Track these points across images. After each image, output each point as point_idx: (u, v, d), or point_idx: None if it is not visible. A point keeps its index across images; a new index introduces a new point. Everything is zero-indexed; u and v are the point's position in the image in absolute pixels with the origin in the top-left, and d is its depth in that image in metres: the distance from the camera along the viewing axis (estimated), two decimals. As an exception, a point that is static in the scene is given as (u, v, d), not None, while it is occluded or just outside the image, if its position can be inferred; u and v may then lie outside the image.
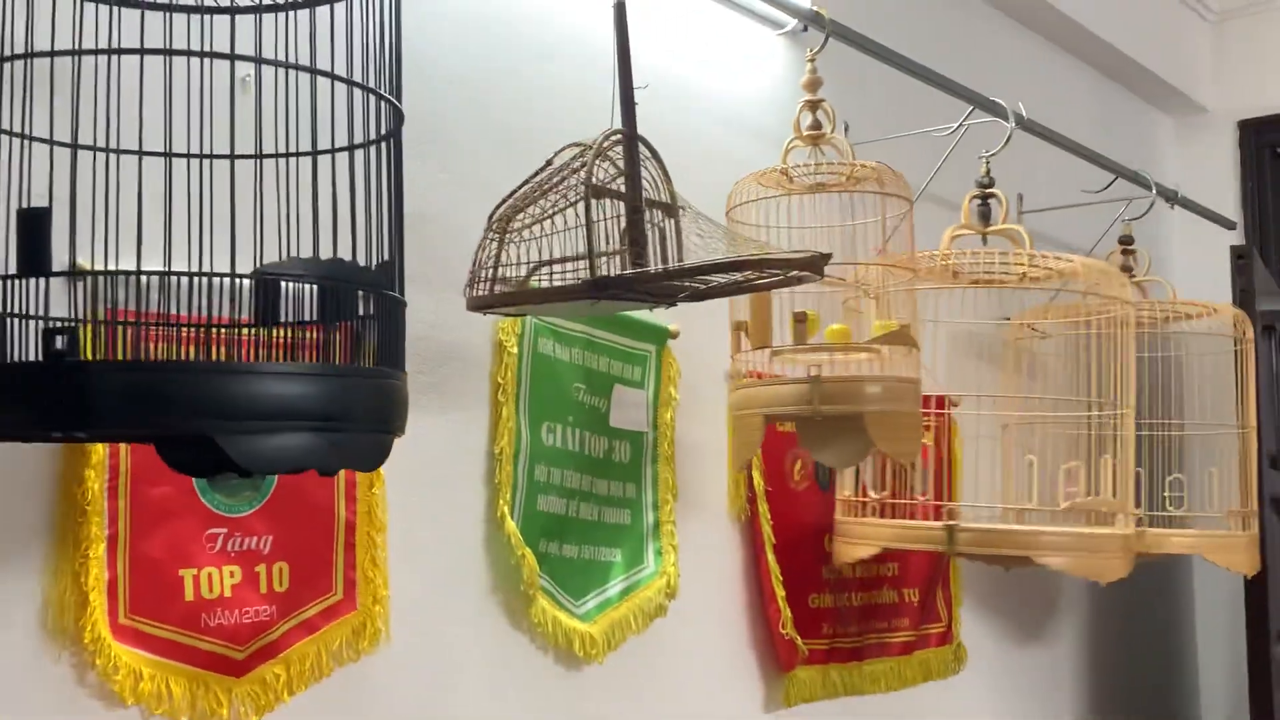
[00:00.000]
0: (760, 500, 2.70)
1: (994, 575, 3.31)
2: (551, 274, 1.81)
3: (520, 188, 1.86)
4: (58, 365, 1.19)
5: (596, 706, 2.38)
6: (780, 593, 2.68)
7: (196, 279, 1.24)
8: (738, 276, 1.80)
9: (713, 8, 2.78)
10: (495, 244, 1.86)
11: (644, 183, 1.83)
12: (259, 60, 1.28)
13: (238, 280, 1.25)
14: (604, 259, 1.76)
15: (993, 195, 2.83)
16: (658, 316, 2.50)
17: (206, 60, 1.29)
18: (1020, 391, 3.16)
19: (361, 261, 1.39)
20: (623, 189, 1.80)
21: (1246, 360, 3.32)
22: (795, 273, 1.81)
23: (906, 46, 3.02)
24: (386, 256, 1.44)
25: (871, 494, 2.75)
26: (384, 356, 1.36)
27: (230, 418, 1.18)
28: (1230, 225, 4.18)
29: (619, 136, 1.83)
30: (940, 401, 2.97)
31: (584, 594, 2.35)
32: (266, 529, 1.89)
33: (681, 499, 2.57)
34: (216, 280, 1.25)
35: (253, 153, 1.32)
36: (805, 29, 2.86)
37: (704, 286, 1.83)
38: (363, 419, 1.30)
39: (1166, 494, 3.35)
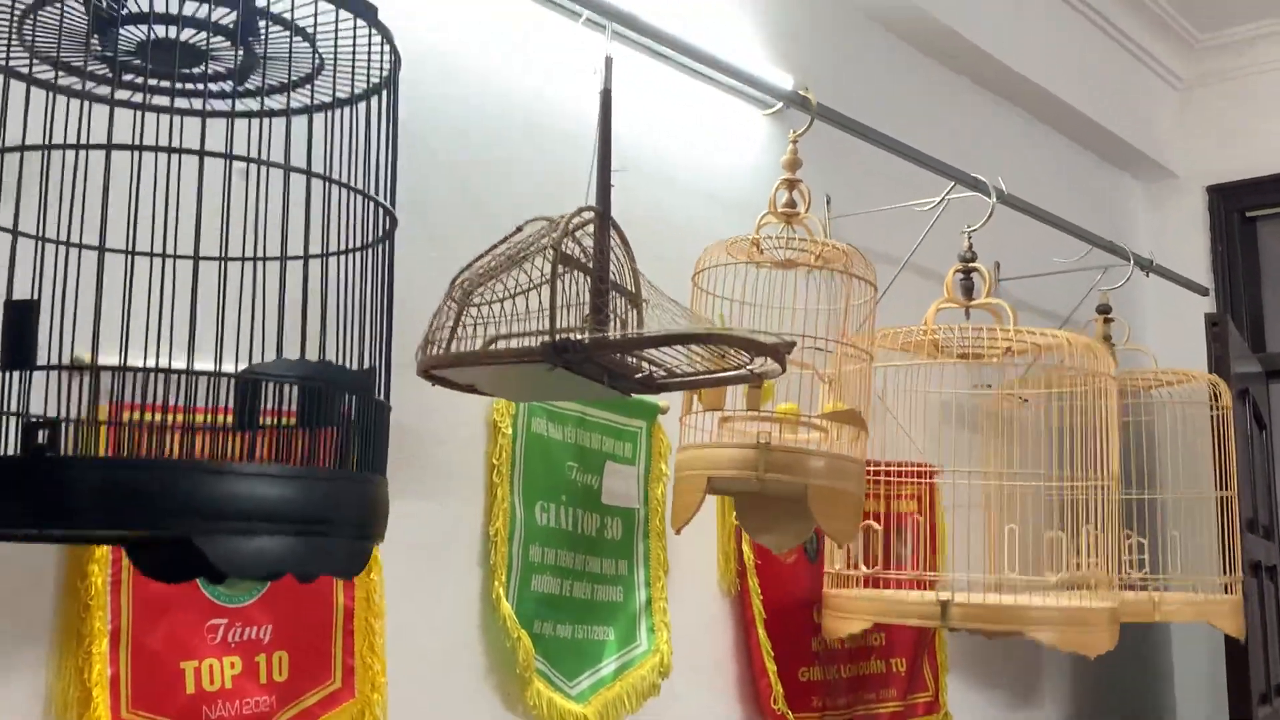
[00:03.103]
0: (750, 574, 2.71)
1: (978, 643, 3.33)
2: (509, 345, 1.79)
3: (484, 255, 1.85)
4: (36, 460, 1.16)
5: (591, 786, 2.38)
6: (771, 667, 2.69)
7: (182, 377, 1.22)
8: (698, 360, 1.79)
9: (701, 86, 2.83)
10: (454, 312, 1.84)
11: (610, 265, 1.83)
12: (228, 156, 1.25)
13: (222, 380, 1.23)
14: (563, 335, 1.74)
15: (975, 269, 2.87)
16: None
17: (203, 160, 1.26)
18: (1002, 459, 3.19)
19: (348, 365, 1.37)
20: (589, 262, 1.80)
21: (1225, 426, 3.37)
22: (759, 368, 1.80)
23: (887, 117, 3.08)
24: (372, 362, 1.41)
25: (863, 567, 2.76)
26: (366, 461, 1.33)
27: (209, 518, 1.13)
28: (1203, 291, 4.25)
29: (590, 214, 1.84)
30: (923, 470, 3.00)
31: (578, 674, 2.36)
32: (266, 618, 1.89)
33: (672, 574, 2.58)
34: (203, 379, 1.23)
35: (241, 254, 1.31)
36: (788, 107, 2.91)
37: (663, 372, 1.81)
38: (344, 524, 1.26)
39: (1131, 557, 3.38)
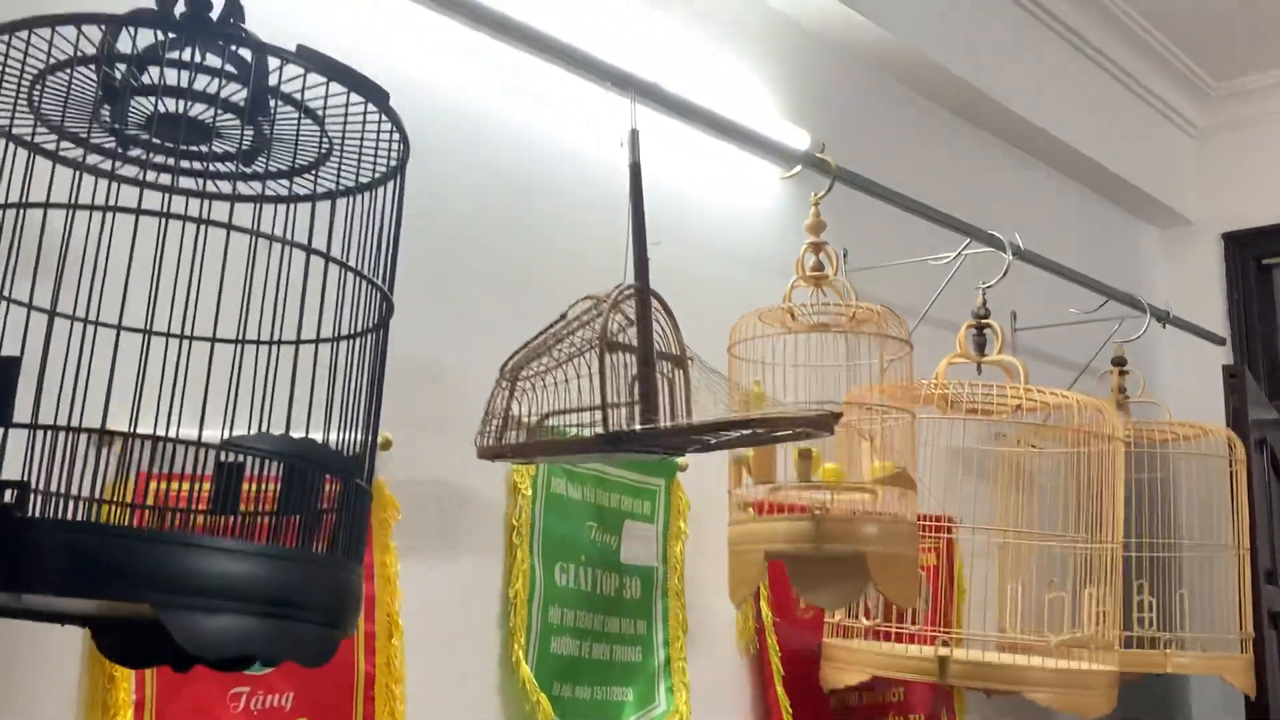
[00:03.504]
0: (768, 632, 2.71)
1: (997, 700, 3.32)
2: (563, 423, 1.84)
3: (534, 339, 1.90)
4: (3, 519, 1.13)
5: (609, 847, 2.37)
6: (789, 725, 2.69)
7: (162, 444, 1.21)
8: (746, 432, 1.84)
9: (718, 143, 2.84)
10: (506, 393, 1.89)
11: (655, 336, 1.86)
12: (229, 227, 1.25)
13: (202, 451, 1.22)
14: (614, 410, 1.79)
15: (988, 325, 2.88)
16: (667, 453, 2.53)
17: (201, 235, 1.24)
18: (1015, 508, 3.19)
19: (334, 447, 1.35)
20: (633, 340, 1.84)
21: (1239, 482, 3.36)
22: (804, 430, 1.84)
23: (903, 169, 3.09)
24: (359, 448, 1.38)
25: (863, 620, 2.76)
26: (343, 547, 1.30)
27: (175, 591, 1.10)
28: (1220, 341, 4.24)
29: (631, 291, 1.87)
30: (941, 521, 2.99)
31: (597, 735, 2.35)
32: (288, 685, 1.90)
33: (691, 633, 2.58)
34: (183, 449, 1.22)
35: (237, 335, 1.30)
36: (807, 166, 2.92)
37: (714, 440, 1.86)
38: (314, 610, 1.22)
39: (1142, 615, 3.37)
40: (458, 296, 2.28)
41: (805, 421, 1.78)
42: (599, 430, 1.76)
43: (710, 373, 1.95)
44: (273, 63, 1.30)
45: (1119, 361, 3.51)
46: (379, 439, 2.08)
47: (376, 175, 1.46)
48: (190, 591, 1.11)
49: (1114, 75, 4.27)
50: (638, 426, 1.76)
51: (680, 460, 2.60)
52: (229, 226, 1.25)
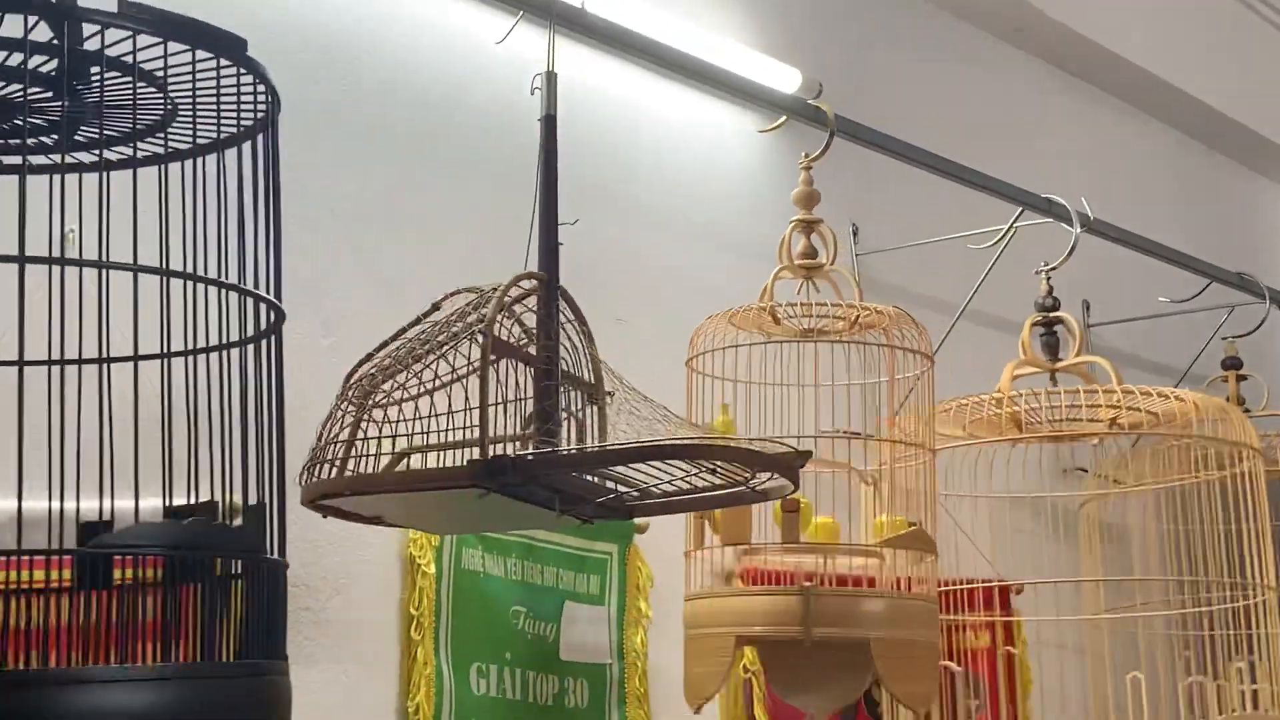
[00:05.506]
0: (765, 748, 2.70)
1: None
2: (425, 461, 1.79)
3: (389, 342, 1.85)
4: None
5: None
6: None
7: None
8: (678, 477, 1.78)
9: (680, 90, 2.84)
10: (349, 418, 1.83)
11: (562, 351, 1.84)
12: (104, 265, 1.28)
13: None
14: (500, 445, 1.74)
15: (1060, 320, 2.87)
16: (620, 509, 2.52)
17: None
18: (1105, 573, 3.18)
19: (222, 496, 1.39)
20: (532, 352, 1.81)
21: None
22: (763, 483, 1.81)
23: (931, 117, 3.07)
24: (256, 497, 1.42)
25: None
26: (258, 643, 1.34)
27: None
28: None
29: (533, 283, 1.85)
30: (999, 595, 2.98)
31: None
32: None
33: (660, 751, 2.58)
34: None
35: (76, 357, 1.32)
36: (795, 118, 2.91)
37: (635, 493, 1.81)
38: None
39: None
40: (324, 301, 2.28)
41: (762, 460, 1.75)
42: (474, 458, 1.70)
43: (644, 405, 1.91)
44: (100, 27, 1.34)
45: (1233, 364, 3.52)
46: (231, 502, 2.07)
47: (231, 133, 1.52)
48: None
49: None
50: (528, 452, 1.72)
51: (638, 520, 2.58)
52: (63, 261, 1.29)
